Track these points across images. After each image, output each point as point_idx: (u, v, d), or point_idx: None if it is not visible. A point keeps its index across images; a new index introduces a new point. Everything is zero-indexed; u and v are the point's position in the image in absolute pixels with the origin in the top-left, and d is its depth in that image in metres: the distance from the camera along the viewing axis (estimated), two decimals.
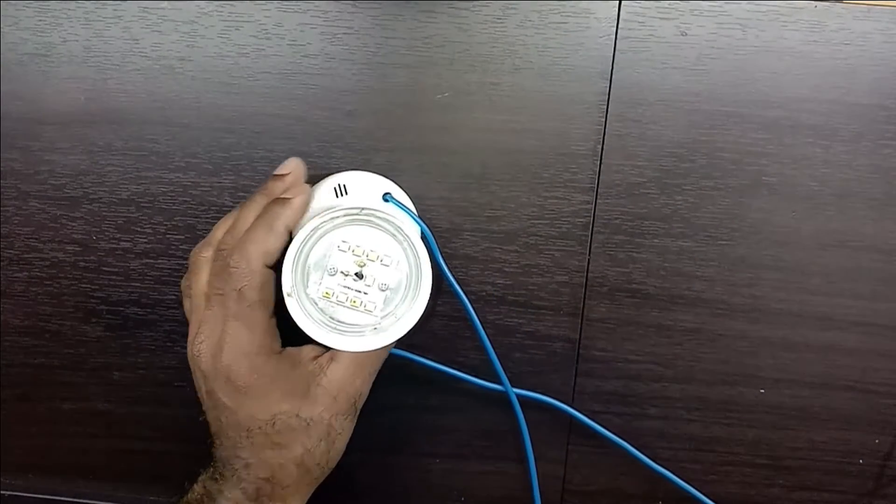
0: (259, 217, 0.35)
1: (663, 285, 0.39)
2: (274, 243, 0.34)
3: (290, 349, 0.35)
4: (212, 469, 0.35)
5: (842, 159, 0.38)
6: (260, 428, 0.33)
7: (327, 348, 0.34)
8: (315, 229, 0.35)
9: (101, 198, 0.39)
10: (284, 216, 0.34)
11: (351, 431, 0.36)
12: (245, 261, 0.33)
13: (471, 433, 0.41)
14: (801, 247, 0.39)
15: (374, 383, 0.40)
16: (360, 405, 0.36)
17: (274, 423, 0.33)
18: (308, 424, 0.34)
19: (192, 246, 0.39)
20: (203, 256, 0.35)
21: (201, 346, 0.34)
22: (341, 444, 0.36)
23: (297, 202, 0.35)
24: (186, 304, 0.36)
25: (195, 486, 0.35)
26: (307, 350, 0.35)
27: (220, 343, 0.33)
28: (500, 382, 0.39)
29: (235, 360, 0.33)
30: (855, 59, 0.37)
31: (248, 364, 0.33)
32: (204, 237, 0.39)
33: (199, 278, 0.35)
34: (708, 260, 0.39)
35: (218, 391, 0.34)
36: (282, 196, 0.35)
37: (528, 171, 0.38)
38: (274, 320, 0.35)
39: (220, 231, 0.35)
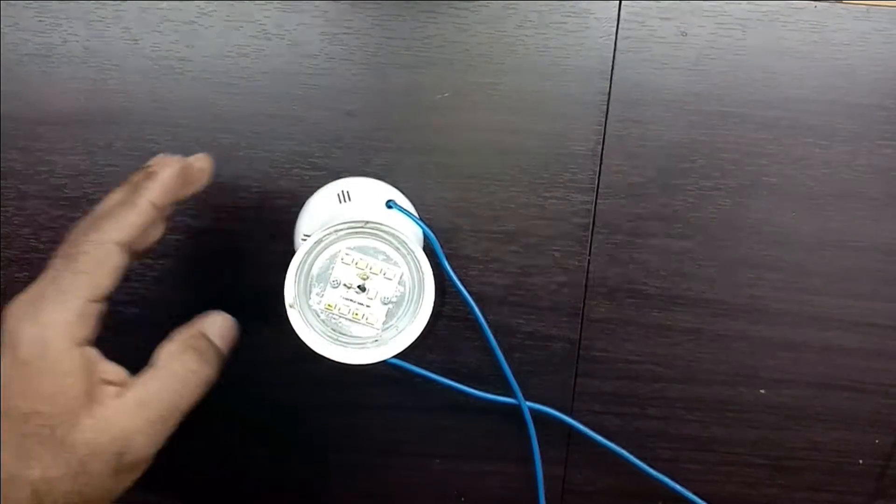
0: (126, 190, 0.32)
1: (663, 285, 0.39)
2: (133, 219, 0.31)
3: (92, 351, 0.30)
4: None
5: (842, 159, 0.38)
6: (9, 411, 0.28)
7: (122, 379, 0.30)
8: (318, 241, 0.35)
9: (100, 198, 0.39)
10: (149, 189, 0.31)
11: (118, 489, 0.30)
12: (98, 232, 0.30)
13: (471, 433, 0.41)
14: (801, 247, 0.39)
15: (373, 383, 0.40)
16: (134, 463, 0.30)
17: (27, 419, 0.28)
18: (60, 445, 0.28)
19: (191, 246, 0.39)
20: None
21: (20, 297, 0.29)
22: (94, 495, 0.29)
23: (163, 175, 0.32)
24: None
25: None
26: (108, 368, 0.30)
27: (26, 308, 0.29)
28: (501, 386, 0.39)
29: (28, 323, 0.28)
30: (855, 59, 0.37)
31: (39, 336, 0.28)
32: (204, 237, 0.39)
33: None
34: (708, 260, 0.39)
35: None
36: (148, 169, 0.32)
37: (528, 171, 0.38)
38: (95, 308, 0.30)
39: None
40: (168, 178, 0.32)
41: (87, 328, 0.30)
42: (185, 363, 0.32)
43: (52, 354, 0.28)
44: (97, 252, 0.30)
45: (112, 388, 0.30)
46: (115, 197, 0.32)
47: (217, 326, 0.34)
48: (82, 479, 0.28)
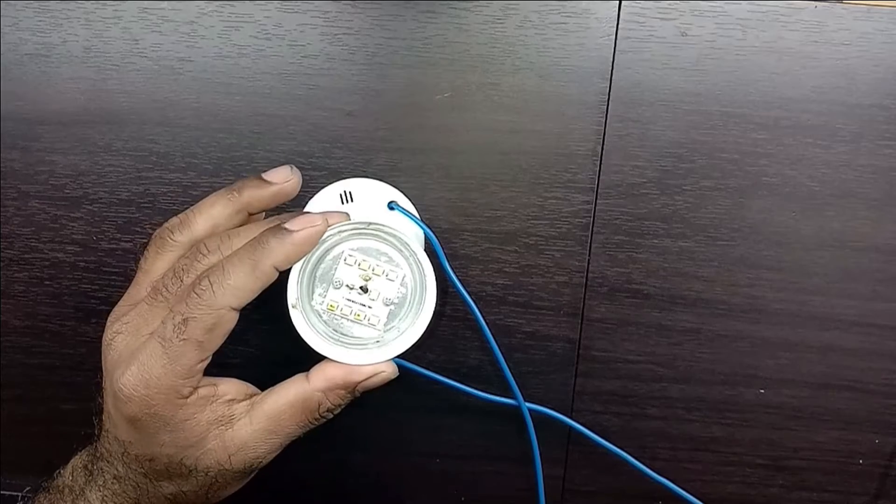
0: (249, 248, 0.31)
1: (663, 285, 0.39)
2: (252, 285, 0.30)
3: (204, 388, 0.31)
4: (87, 456, 0.32)
5: (842, 159, 0.38)
6: (137, 456, 0.31)
7: (251, 393, 0.32)
8: (322, 242, 0.35)
9: (101, 198, 0.39)
10: (276, 254, 0.30)
11: (237, 487, 0.33)
12: (212, 294, 0.29)
13: (471, 433, 0.41)
14: (801, 247, 0.39)
15: None
16: (257, 469, 0.33)
17: (153, 459, 0.31)
18: (190, 472, 0.31)
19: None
20: (174, 240, 0.32)
21: (116, 339, 0.31)
22: (221, 495, 0.33)
23: (298, 237, 0.31)
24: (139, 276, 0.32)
25: (69, 468, 0.32)
26: (226, 388, 0.32)
27: (132, 357, 0.30)
28: (501, 386, 0.39)
29: (133, 386, 0.29)
30: (855, 59, 0.37)
31: (145, 398, 0.29)
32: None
33: (157, 264, 0.32)
34: (708, 260, 0.39)
35: (109, 396, 0.31)
36: (283, 225, 0.31)
37: (528, 171, 0.38)
38: (203, 365, 0.31)
39: (200, 219, 0.32)
40: (303, 240, 0.31)
41: (196, 380, 0.31)
42: (325, 404, 0.33)
43: (162, 413, 0.30)
44: (210, 319, 0.29)
45: (241, 406, 0.32)
46: (242, 233, 0.32)
47: (372, 383, 0.34)
48: (214, 488, 0.32)
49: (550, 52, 0.37)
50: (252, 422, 0.31)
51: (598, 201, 0.38)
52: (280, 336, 0.40)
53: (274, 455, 0.33)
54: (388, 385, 0.40)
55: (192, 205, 0.39)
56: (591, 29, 0.37)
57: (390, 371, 0.34)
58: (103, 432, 0.32)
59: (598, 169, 0.38)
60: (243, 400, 0.32)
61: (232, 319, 0.30)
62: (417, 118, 0.38)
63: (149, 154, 0.39)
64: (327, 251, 0.35)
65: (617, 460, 0.39)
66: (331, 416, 0.34)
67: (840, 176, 0.38)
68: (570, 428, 0.40)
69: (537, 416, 0.39)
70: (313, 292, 0.35)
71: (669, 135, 0.38)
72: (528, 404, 0.39)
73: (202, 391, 0.31)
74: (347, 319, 0.36)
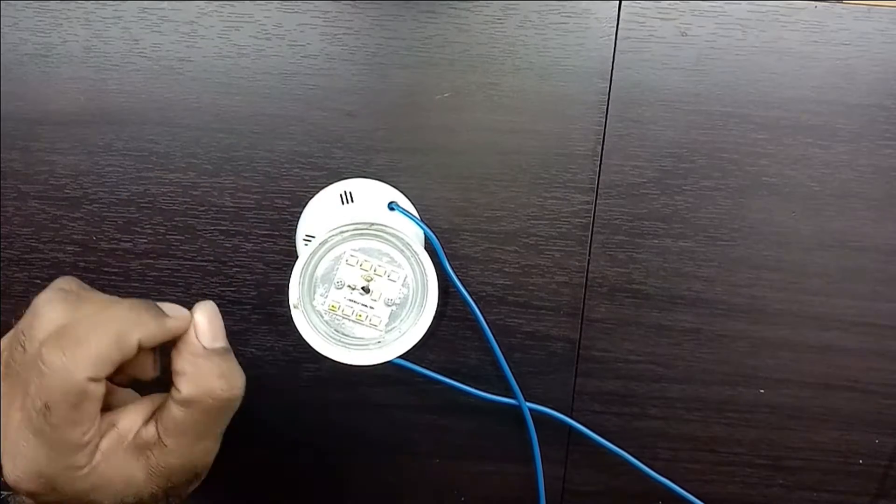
0: (112, 311, 0.28)
1: (663, 285, 0.39)
2: (113, 356, 0.27)
3: (105, 441, 0.28)
4: None
5: (842, 159, 0.38)
6: None
7: (153, 408, 0.30)
8: (323, 242, 0.35)
9: (101, 198, 0.39)
10: (146, 329, 0.28)
11: (194, 487, 0.32)
12: (63, 369, 0.26)
13: (471, 433, 0.41)
14: (801, 247, 0.39)
15: (374, 383, 0.40)
16: (203, 469, 0.31)
17: None
18: (140, 502, 0.29)
19: (192, 246, 0.39)
20: (50, 304, 0.28)
21: None
22: (183, 496, 0.31)
23: (170, 324, 0.29)
24: None
25: None
26: (127, 424, 0.29)
27: (14, 450, 0.27)
28: (502, 386, 0.39)
29: (28, 481, 0.27)
30: (855, 59, 0.37)
31: (46, 486, 0.27)
32: (204, 238, 0.39)
33: (32, 331, 0.28)
34: (708, 260, 0.39)
35: (10, 484, 0.28)
36: (160, 308, 0.29)
37: (528, 171, 0.38)
38: (91, 433, 0.27)
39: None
40: (175, 330, 0.29)
41: (92, 446, 0.28)
42: (213, 395, 0.29)
43: (74, 487, 0.28)
44: (72, 398, 0.26)
45: (149, 430, 0.29)
46: (102, 305, 0.29)
47: (209, 329, 0.30)
48: (172, 498, 0.30)
49: (550, 52, 0.37)
50: (167, 442, 0.29)
51: (598, 201, 0.38)
52: (280, 336, 0.40)
53: (213, 453, 0.31)
54: (389, 385, 0.40)
55: (192, 205, 0.39)
56: (591, 29, 0.37)
57: (207, 310, 0.30)
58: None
59: (598, 169, 0.38)
60: (149, 421, 0.30)
61: (99, 389, 0.27)
62: (417, 118, 0.38)
63: (149, 154, 0.39)
64: (329, 251, 0.35)
65: (617, 460, 0.39)
66: (233, 395, 0.30)
67: (840, 176, 0.38)
68: (570, 428, 0.40)
69: (537, 416, 0.39)
70: (315, 293, 0.35)
71: (669, 135, 0.38)
72: (528, 404, 0.39)
73: (104, 444, 0.28)
74: (349, 320, 0.36)
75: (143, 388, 0.32)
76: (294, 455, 0.41)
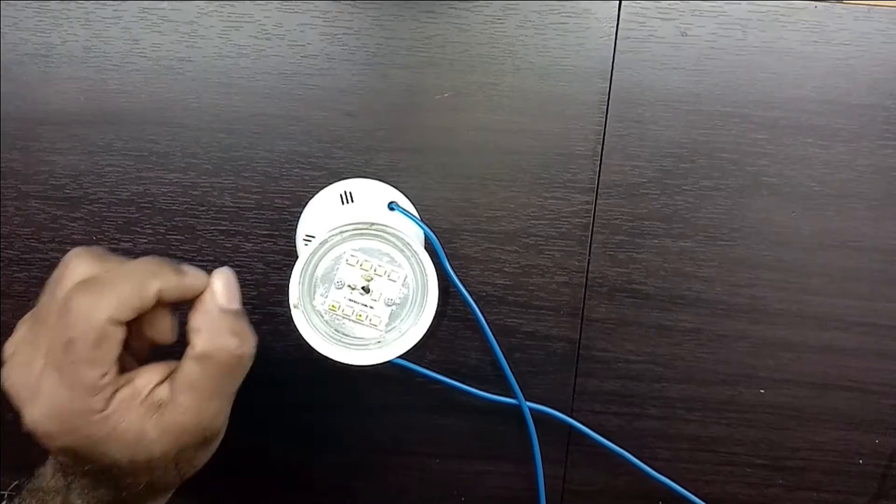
0: (134, 264, 0.30)
1: (663, 285, 0.39)
2: (136, 302, 0.29)
3: (121, 392, 0.29)
4: (58, 463, 0.31)
5: (842, 159, 0.38)
6: (93, 471, 0.30)
7: (167, 374, 0.31)
8: (324, 242, 0.35)
9: (101, 198, 0.39)
10: (166, 281, 0.30)
11: (207, 457, 0.33)
12: (88, 308, 0.28)
13: (471, 433, 0.41)
14: (801, 247, 0.39)
15: (374, 383, 0.40)
16: (213, 434, 0.32)
17: (109, 468, 0.30)
18: (150, 462, 0.30)
19: (192, 246, 0.39)
20: (79, 257, 0.30)
21: (11, 376, 0.29)
22: (193, 467, 0.32)
23: (189, 281, 0.30)
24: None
25: (46, 470, 0.31)
26: (143, 380, 0.30)
27: (34, 392, 0.29)
28: (502, 386, 0.39)
29: (47, 422, 0.29)
30: (855, 59, 0.37)
31: (63, 429, 0.29)
32: (204, 238, 0.39)
33: (62, 280, 0.30)
34: (708, 260, 0.39)
35: (29, 428, 0.29)
36: (180, 266, 0.31)
37: (528, 171, 0.38)
38: (108, 377, 0.29)
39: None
40: (192, 287, 0.30)
41: (108, 391, 0.29)
42: (226, 350, 0.30)
43: (89, 433, 0.29)
44: (93, 335, 0.28)
45: (163, 389, 0.30)
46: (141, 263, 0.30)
47: (226, 291, 0.32)
48: (181, 466, 0.31)
49: (550, 52, 0.37)
50: (179, 400, 0.30)
51: (598, 201, 0.38)
52: (280, 336, 0.40)
53: (224, 416, 0.32)
54: (389, 385, 0.40)
55: (192, 205, 0.39)
56: (591, 29, 0.37)
57: (224, 274, 0.32)
58: (50, 458, 0.31)
59: (598, 169, 0.38)
60: (163, 381, 0.31)
61: (119, 333, 0.29)
62: (417, 118, 0.38)
63: (149, 154, 0.39)
64: (329, 251, 0.35)
65: (617, 460, 0.39)
66: (245, 352, 0.31)
67: (840, 176, 0.38)
68: (571, 428, 0.40)
69: (537, 416, 0.39)
70: (315, 292, 0.35)
71: (669, 135, 0.38)
72: (528, 403, 0.39)
73: (120, 395, 0.29)
74: (349, 320, 0.36)
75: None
76: (294, 455, 0.41)
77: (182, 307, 0.31)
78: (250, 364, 0.31)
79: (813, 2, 0.37)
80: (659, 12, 0.37)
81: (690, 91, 0.38)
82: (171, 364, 0.31)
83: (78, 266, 0.30)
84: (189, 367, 0.30)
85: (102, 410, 0.29)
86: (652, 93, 0.38)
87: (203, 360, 0.30)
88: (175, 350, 0.31)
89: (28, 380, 0.29)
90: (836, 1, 0.37)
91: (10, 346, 0.31)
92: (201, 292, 0.31)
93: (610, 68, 0.38)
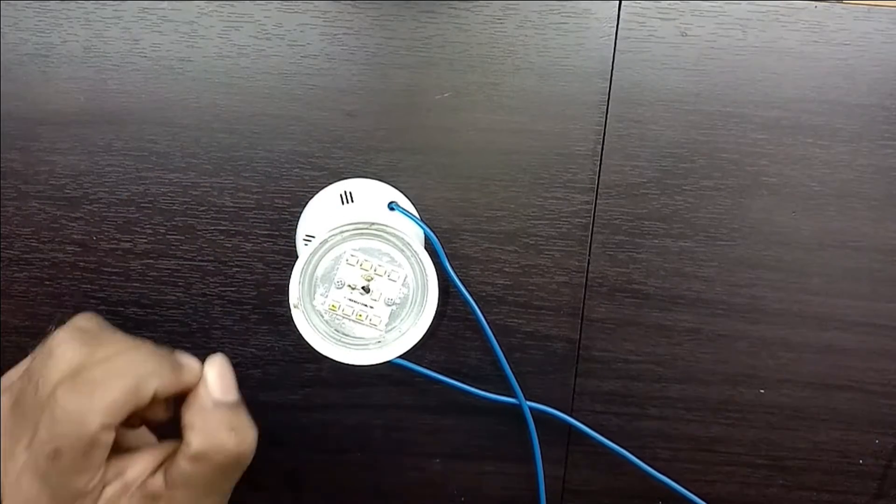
0: (128, 359, 0.28)
1: (663, 285, 0.39)
2: (128, 405, 0.27)
3: (110, 488, 0.27)
4: None
5: (842, 159, 0.38)
6: None
7: (164, 456, 0.29)
8: (324, 242, 0.35)
9: (101, 198, 0.39)
10: (162, 380, 0.28)
11: None
12: (78, 414, 0.25)
13: (471, 433, 0.41)
14: (801, 247, 0.39)
15: (374, 383, 0.40)
16: None
17: None
18: None
19: (192, 246, 0.39)
20: (66, 343, 0.28)
21: None
22: None
23: (186, 378, 0.29)
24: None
25: None
26: (135, 472, 0.28)
27: (14, 492, 0.26)
28: (502, 386, 0.39)
29: None
30: (855, 59, 0.37)
31: None
32: (204, 238, 0.39)
33: (46, 371, 0.27)
34: (708, 260, 0.39)
35: None
36: (176, 359, 0.29)
37: (528, 171, 0.38)
38: (97, 479, 0.27)
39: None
40: (190, 384, 0.29)
41: (96, 493, 0.27)
42: (223, 450, 0.29)
43: None
44: (82, 445, 0.26)
45: (157, 481, 0.28)
46: (129, 348, 0.28)
47: (220, 383, 0.30)
48: None
49: (550, 52, 0.37)
50: (174, 496, 0.28)
51: (598, 201, 0.38)
52: (280, 336, 0.40)
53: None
54: (389, 385, 0.40)
55: (192, 205, 0.39)
56: (591, 29, 0.37)
57: (217, 364, 0.30)
58: None
59: (598, 169, 0.38)
60: (157, 471, 0.29)
61: (110, 437, 0.27)
62: (417, 118, 0.38)
63: (149, 154, 0.39)
64: (329, 251, 0.35)
65: (617, 460, 0.39)
66: (243, 450, 0.29)
67: (840, 176, 0.38)
68: (571, 427, 0.40)
69: (537, 416, 0.39)
70: (315, 292, 0.35)
71: (669, 135, 0.38)
72: (529, 403, 0.39)
73: (108, 491, 0.27)
74: (349, 320, 0.36)
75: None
76: (293, 455, 0.41)
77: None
78: (251, 459, 0.30)
79: (813, 2, 0.37)
80: (659, 12, 0.37)
81: (690, 91, 0.38)
82: (166, 448, 0.30)
83: (65, 353, 0.27)
84: (184, 465, 0.28)
85: None
86: (652, 93, 0.38)
87: (199, 460, 0.28)
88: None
89: (8, 478, 0.26)
90: (836, 1, 0.37)
91: None
92: (195, 385, 0.29)
93: (610, 68, 0.38)
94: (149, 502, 0.28)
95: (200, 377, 0.29)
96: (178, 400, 0.30)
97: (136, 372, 0.27)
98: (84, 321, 0.30)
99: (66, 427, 0.26)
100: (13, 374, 0.30)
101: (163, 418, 0.30)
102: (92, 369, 0.27)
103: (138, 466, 0.28)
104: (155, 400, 0.28)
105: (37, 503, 0.26)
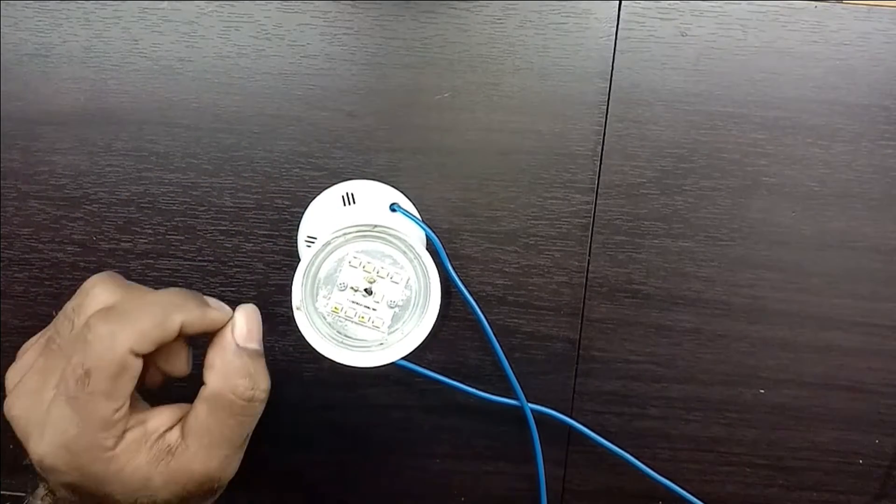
0: (158, 295, 0.30)
1: (663, 285, 0.39)
2: (157, 335, 0.28)
3: (131, 432, 0.29)
4: (54, 496, 0.30)
5: (842, 159, 0.38)
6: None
7: (182, 414, 0.31)
8: (327, 244, 0.35)
9: (101, 198, 0.39)
10: (189, 314, 0.29)
11: (211, 501, 0.32)
12: (109, 338, 0.27)
13: (471, 433, 0.41)
14: (801, 247, 0.39)
15: (374, 383, 0.40)
16: (221, 484, 0.31)
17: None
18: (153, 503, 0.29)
19: (192, 246, 0.39)
20: (102, 284, 0.30)
21: (16, 405, 0.28)
22: None
23: (212, 315, 0.30)
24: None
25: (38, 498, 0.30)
26: (155, 423, 0.30)
27: (42, 422, 0.28)
28: (502, 386, 0.39)
29: (54, 454, 0.27)
30: (855, 59, 0.37)
31: (69, 463, 0.28)
32: (204, 238, 0.39)
33: (82, 307, 0.29)
34: (708, 260, 0.39)
35: (34, 465, 0.28)
36: (204, 299, 0.31)
37: (528, 171, 0.38)
38: (121, 412, 0.28)
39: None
40: (216, 320, 0.30)
41: (119, 429, 0.28)
42: (236, 392, 0.30)
43: (94, 470, 0.28)
44: (113, 367, 0.28)
45: (174, 434, 0.30)
46: (162, 295, 0.30)
47: (245, 329, 0.31)
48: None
49: (550, 52, 0.37)
50: (188, 445, 0.29)
51: (598, 201, 0.38)
52: (280, 336, 0.40)
53: (233, 466, 0.31)
54: (389, 385, 0.40)
55: (192, 205, 0.39)
56: (591, 29, 0.37)
57: (247, 311, 0.31)
58: (48, 491, 0.30)
59: (598, 169, 0.38)
60: (175, 426, 0.30)
61: (138, 365, 0.28)
62: (417, 118, 0.38)
63: (149, 154, 0.39)
64: (332, 253, 0.35)
65: (617, 460, 0.39)
66: (256, 396, 0.30)
67: (840, 176, 0.38)
68: (571, 428, 0.40)
69: (537, 416, 0.39)
70: (318, 294, 0.35)
71: (669, 135, 0.38)
72: (529, 404, 0.39)
73: (130, 436, 0.29)
74: (351, 322, 0.36)
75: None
76: (293, 455, 0.41)
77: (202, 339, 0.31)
78: (261, 410, 0.31)
79: (813, 2, 0.37)
80: (659, 12, 0.37)
81: (690, 91, 0.38)
82: (184, 407, 0.31)
83: (100, 294, 0.29)
84: (199, 409, 0.30)
85: (112, 449, 0.28)
86: (652, 93, 0.38)
87: (212, 401, 0.30)
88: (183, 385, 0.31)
89: (36, 410, 0.28)
90: (836, 1, 0.37)
91: (14, 373, 0.30)
92: (222, 327, 0.31)
93: (610, 68, 0.38)
94: (164, 455, 0.29)
95: (228, 320, 0.31)
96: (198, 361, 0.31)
97: (163, 305, 0.29)
98: (115, 275, 0.31)
99: (97, 348, 0.27)
100: (33, 339, 0.31)
101: (183, 372, 0.31)
102: (123, 304, 0.29)
103: (159, 419, 0.30)
104: (178, 338, 0.30)
105: (65, 430, 0.27)
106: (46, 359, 0.29)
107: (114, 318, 0.28)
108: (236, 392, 0.30)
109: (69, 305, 0.30)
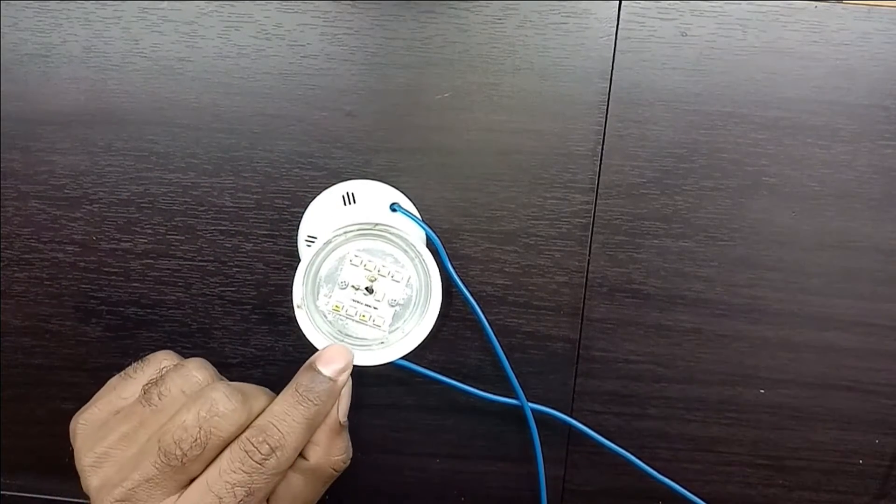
0: (296, 403, 0.31)
1: (663, 285, 0.39)
2: (305, 441, 0.32)
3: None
4: None
5: (842, 159, 0.38)
6: None
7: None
8: (327, 242, 0.35)
9: (101, 198, 0.39)
10: (327, 406, 0.32)
11: None
12: (276, 461, 0.29)
13: (471, 433, 0.41)
14: (801, 247, 0.39)
15: (374, 383, 0.40)
16: None
17: None
18: None
19: (192, 246, 0.39)
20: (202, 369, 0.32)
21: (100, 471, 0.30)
22: None
23: (342, 385, 0.33)
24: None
25: None
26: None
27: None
28: (502, 386, 0.39)
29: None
30: (855, 59, 0.37)
31: None
32: (204, 238, 0.39)
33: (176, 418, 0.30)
34: (708, 260, 0.39)
35: None
36: (317, 369, 0.32)
37: (528, 171, 0.38)
38: None
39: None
40: (342, 388, 0.33)
41: None
42: (336, 467, 0.33)
43: None
44: (272, 483, 0.30)
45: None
46: (289, 409, 0.31)
47: (346, 405, 0.33)
48: None
49: (550, 52, 0.37)
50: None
51: (598, 201, 0.38)
52: (280, 336, 0.40)
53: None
54: (389, 384, 0.40)
55: (192, 205, 0.39)
56: (591, 29, 0.37)
57: (349, 386, 0.34)
58: None
59: (598, 169, 0.38)
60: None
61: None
62: (417, 118, 0.38)
63: (149, 154, 0.39)
64: (332, 251, 0.35)
65: (617, 460, 0.39)
66: (347, 464, 0.34)
67: (840, 176, 0.38)
68: (571, 428, 0.40)
69: (537, 416, 0.39)
70: (318, 293, 0.35)
71: (669, 135, 0.38)
72: (529, 404, 0.39)
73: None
74: (352, 320, 0.36)
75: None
76: None
77: None
78: None
79: (813, 2, 0.37)
80: (659, 12, 0.37)
81: (690, 91, 0.38)
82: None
83: (232, 415, 0.30)
84: (295, 480, 0.31)
85: None
86: (652, 93, 0.38)
87: (311, 474, 0.32)
88: None
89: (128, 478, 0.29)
90: (836, 1, 0.37)
91: (101, 435, 0.31)
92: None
93: (610, 68, 0.38)
94: None
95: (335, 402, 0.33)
96: None
97: (305, 419, 0.31)
98: (196, 366, 0.33)
99: (268, 470, 0.29)
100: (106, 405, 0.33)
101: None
102: (272, 426, 0.31)
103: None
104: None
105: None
106: (161, 472, 0.29)
107: (275, 441, 0.30)
108: (336, 467, 0.33)
109: (195, 423, 0.30)
